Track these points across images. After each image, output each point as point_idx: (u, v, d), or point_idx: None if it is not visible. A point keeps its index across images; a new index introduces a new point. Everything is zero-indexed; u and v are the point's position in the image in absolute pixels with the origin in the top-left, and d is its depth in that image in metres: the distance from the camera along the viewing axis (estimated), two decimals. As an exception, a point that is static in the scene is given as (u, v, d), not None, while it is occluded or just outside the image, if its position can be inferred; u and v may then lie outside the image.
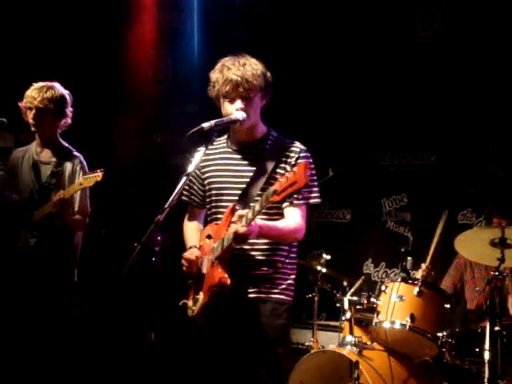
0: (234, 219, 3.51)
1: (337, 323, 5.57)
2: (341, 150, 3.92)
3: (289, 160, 3.71)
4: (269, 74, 3.78)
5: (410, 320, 4.80)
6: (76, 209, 4.96)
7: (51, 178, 5.01)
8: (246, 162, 3.78)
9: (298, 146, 3.77)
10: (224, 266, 3.60)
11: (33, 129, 5.02)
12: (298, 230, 3.71)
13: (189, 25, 7.65)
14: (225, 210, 3.73)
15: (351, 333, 5.11)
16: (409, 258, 5.13)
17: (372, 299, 5.10)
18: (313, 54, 6.76)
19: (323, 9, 6.79)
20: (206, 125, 3.56)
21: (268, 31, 6.99)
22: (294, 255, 3.86)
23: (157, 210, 3.39)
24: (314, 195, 3.75)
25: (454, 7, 6.09)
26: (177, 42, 7.75)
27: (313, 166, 3.73)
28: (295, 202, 3.68)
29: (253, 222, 3.46)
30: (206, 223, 3.98)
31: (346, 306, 5.18)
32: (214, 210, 3.86)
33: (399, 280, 5.00)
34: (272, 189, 3.33)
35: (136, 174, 7.87)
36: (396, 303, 4.89)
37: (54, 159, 5.05)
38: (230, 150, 3.86)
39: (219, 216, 3.79)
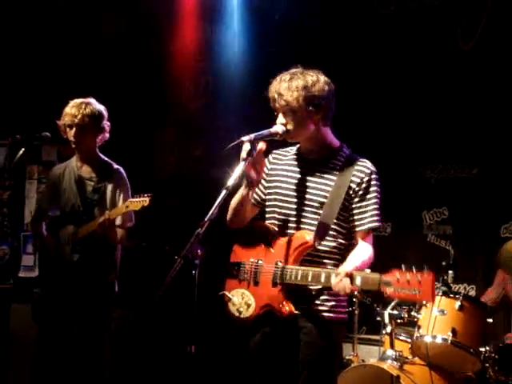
0: (342, 274, 3.41)
1: (377, 337, 5.53)
2: (383, 162, 3.88)
3: (359, 181, 3.67)
4: (318, 85, 3.67)
5: (451, 334, 4.75)
6: (118, 223, 5.00)
7: (93, 194, 5.04)
8: (316, 174, 3.74)
9: (368, 166, 3.72)
10: (288, 292, 3.60)
11: (73, 146, 5.06)
12: (372, 257, 3.70)
13: (229, 37, 7.68)
14: (283, 217, 3.73)
15: (392, 347, 5.07)
16: (450, 271, 5.08)
17: (413, 313, 5.06)
18: (355, 68, 6.75)
19: (364, 22, 6.78)
20: (245, 138, 3.56)
21: (308, 44, 6.99)
22: None
23: (197, 224, 3.40)
24: (380, 218, 3.71)
25: (495, 20, 6.04)
26: (217, 55, 7.79)
27: (380, 190, 3.72)
28: (370, 225, 3.67)
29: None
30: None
31: (387, 319, 5.14)
32: (271, 211, 3.81)
33: (440, 294, 4.95)
34: (385, 279, 3.29)
35: (176, 187, 7.91)
36: (437, 317, 4.84)
37: (94, 175, 5.09)
38: (299, 158, 3.84)
39: (276, 222, 3.77)
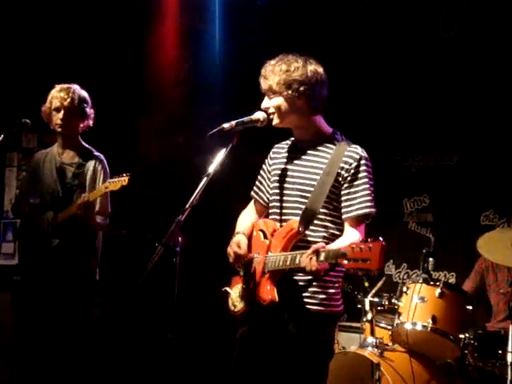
0: (309, 252, 3.40)
1: (358, 324, 5.56)
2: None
3: (348, 167, 3.62)
4: (300, 70, 3.64)
5: (431, 321, 4.78)
6: (97, 209, 4.98)
7: (73, 179, 5.04)
8: (304, 163, 3.72)
9: (358, 152, 3.67)
10: (274, 280, 3.57)
11: (59, 129, 5.05)
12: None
13: (210, 25, 7.65)
14: (277, 209, 3.73)
15: (372, 334, 5.10)
16: (430, 259, 5.09)
17: (393, 300, 5.08)
18: (334, 55, 6.73)
19: (346, 10, 6.77)
20: (226, 125, 3.56)
21: (289, 32, 6.98)
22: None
23: (178, 211, 3.39)
24: (373, 204, 3.64)
25: (476, 8, 6.05)
26: (198, 42, 7.76)
27: (371, 176, 3.68)
28: (359, 212, 3.60)
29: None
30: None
31: (368, 307, 5.16)
32: (271, 205, 3.81)
33: (421, 281, 4.97)
34: (343, 251, 3.25)
35: (158, 175, 7.89)
36: (417, 304, 4.87)
37: (75, 160, 5.08)
38: (293, 149, 3.83)
39: (273, 214, 3.77)
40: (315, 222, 3.62)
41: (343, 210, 3.64)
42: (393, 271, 6.43)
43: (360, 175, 3.63)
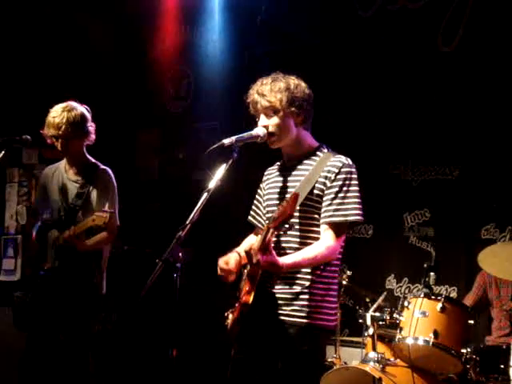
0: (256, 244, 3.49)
1: (359, 339, 5.53)
2: (363, 164, 3.88)
3: (329, 175, 3.63)
4: (300, 88, 3.71)
5: (433, 336, 4.75)
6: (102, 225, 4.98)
7: (77, 199, 5.03)
8: (292, 178, 3.75)
9: (341, 160, 3.67)
10: (253, 284, 3.54)
11: (61, 154, 5.08)
12: (326, 254, 3.61)
13: (210, 41, 7.67)
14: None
15: (374, 349, 5.08)
16: (431, 273, 5.07)
17: (395, 315, 5.05)
18: (336, 71, 6.76)
19: (345, 25, 6.78)
20: (226, 141, 3.56)
21: (289, 46, 7.00)
22: (327, 274, 3.71)
23: (178, 227, 3.39)
24: (353, 212, 3.61)
25: (476, 22, 6.06)
26: (198, 58, 7.78)
27: (357, 182, 3.66)
28: (330, 219, 3.60)
29: (269, 258, 3.43)
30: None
31: (369, 321, 5.14)
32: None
33: (422, 296, 4.96)
34: (273, 215, 3.36)
35: (157, 190, 7.89)
36: (419, 319, 4.84)
37: (79, 177, 5.08)
38: (282, 167, 3.87)
39: None
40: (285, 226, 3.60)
41: (322, 215, 3.64)
42: (394, 285, 6.41)
43: (338, 183, 3.63)
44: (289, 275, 3.65)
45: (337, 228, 3.62)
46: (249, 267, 3.58)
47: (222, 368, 3.84)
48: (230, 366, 3.76)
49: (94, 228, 4.96)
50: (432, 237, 6.29)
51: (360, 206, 3.65)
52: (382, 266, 6.52)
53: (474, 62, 6.06)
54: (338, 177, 3.62)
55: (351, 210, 3.62)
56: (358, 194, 3.66)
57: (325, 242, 3.61)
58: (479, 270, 5.48)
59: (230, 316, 3.73)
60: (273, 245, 3.56)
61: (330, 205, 3.61)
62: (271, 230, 3.46)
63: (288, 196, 3.55)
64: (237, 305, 3.67)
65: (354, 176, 3.66)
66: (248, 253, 3.50)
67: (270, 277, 3.63)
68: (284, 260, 3.55)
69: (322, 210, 3.63)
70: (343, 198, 3.61)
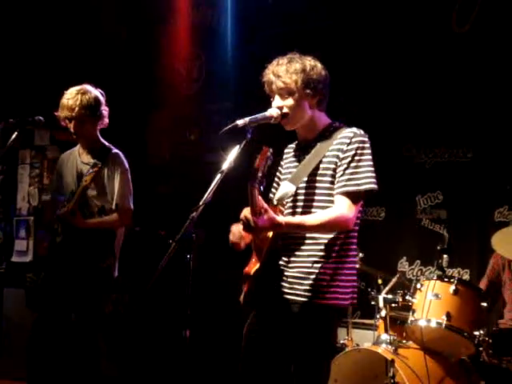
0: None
1: (371, 321, 5.54)
2: (376, 146, 3.84)
3: (342, 147, 3.59)
4: (316, 69, 3.66)
5: (446, 318, 4.75)
6: (113, 207, 5.00)
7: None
8: (303, 159, 3.73)
9: (352, 130, 3.62)
10: (259, 256, 3.56)
11: (74, 136, 5.09)
12: (337, 220, 3.51)
13: (222, 22, 7.64)
14: (292, 204, 3.71)
15: (386, 331, 5.08)
16: (445, 255, 5.06)
17: (407, 297, 5.05)
18: (348, 50, 6.73)
19: (358, 6, 6.74)
20: (240, 122, 3.52)
21: (301, 28, 6.96)
22: (344, 253, 3.65)
23: (190, 209, 3.38)
24: (366, 181, 3.55)
25: (490, 3, 6.02)
26: (210, 39, 7.76)
27: (369, 151, 3.61)
28: (343, 189, 3.55)
29: (265, 216, 3.38)
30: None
31: (381, 303, 5.14)
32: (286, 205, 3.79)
33: (435, 278, 4.95)
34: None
35: (170, 172, 7.89)
36: (432, 301, 4.84)
37: (92, 160, 5.09)
38: (298, 148, 3.85)
39: (289, 210, 3.75)
40: (290, 198, 3.62)
41: (335, 187, 3.59)
42: (406, 268, 6.40)
43: (350, 153, 3.57)
44: (301, 253, 3.62)
45: (351, 197, 3.55)
46: (254, 241, 3.59)
47: (236, 348, 3.83)
48: (242, 345, 3.76)
49: (106, 210, 4.98)
50: (445, 219, 6.27)
51: (373, 175, 3.58)
52: (394, 248, 6.51)
53: (488, 44, 6.02)
54: (350, 147, 3.57)
55: (364, 179, 3.56)
56: (371, 163, 3.60)
57: (337, 209, 3.54)
58: (492, 253, 5.46)
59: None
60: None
61: (342, 175, 3.56)
62: (250, 190, 3.36)
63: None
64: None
65: (367, 145, 3.61)
66: (245, 223, 3.45)
67: (279, 254, 3.63)
68: (287, 218, 3.54)
69: (336, 181, 3.58)
70: (355, 167, 3.56)
